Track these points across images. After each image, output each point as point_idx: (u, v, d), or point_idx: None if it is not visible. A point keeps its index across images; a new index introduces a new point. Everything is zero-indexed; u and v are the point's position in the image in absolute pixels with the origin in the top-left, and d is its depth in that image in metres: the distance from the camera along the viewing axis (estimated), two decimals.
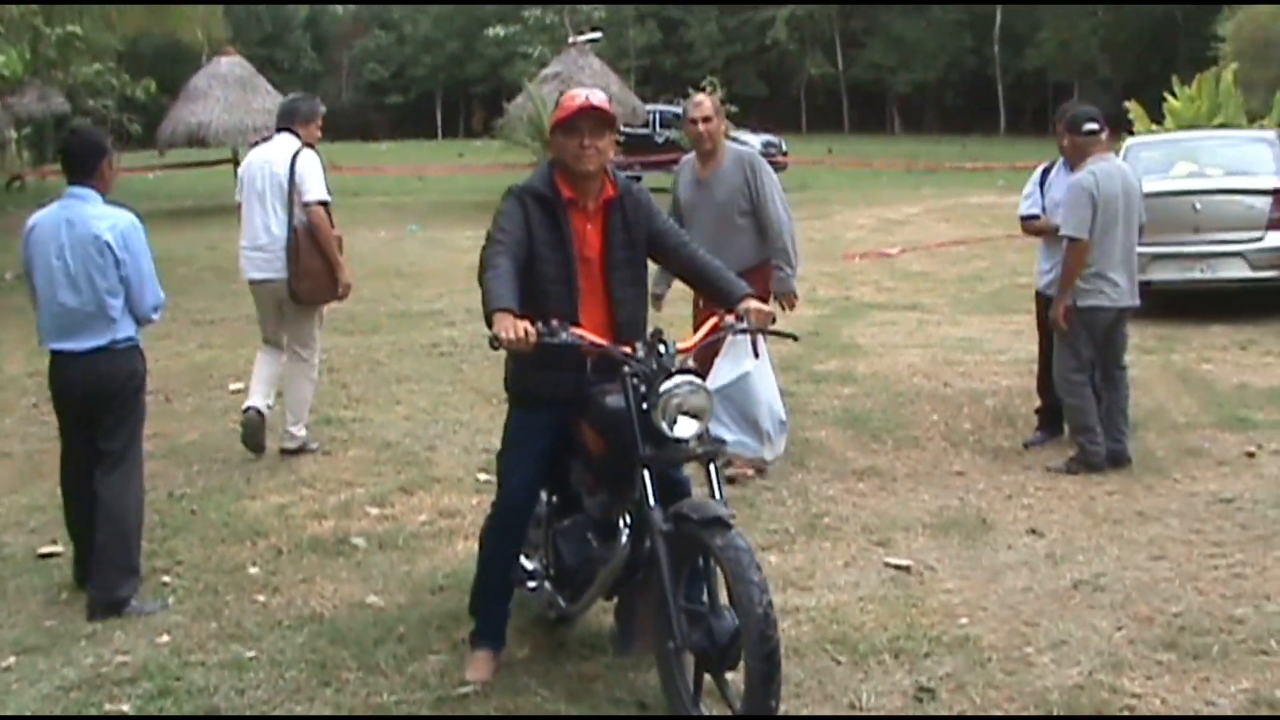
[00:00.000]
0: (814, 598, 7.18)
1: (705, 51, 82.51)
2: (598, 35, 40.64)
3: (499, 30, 41.94)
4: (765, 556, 7.83)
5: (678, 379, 5.52)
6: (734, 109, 36.02)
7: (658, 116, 40.63)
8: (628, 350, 5.73)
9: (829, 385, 12.55)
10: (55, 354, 7.55)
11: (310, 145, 10.44)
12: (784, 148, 40.92)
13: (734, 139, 31.80)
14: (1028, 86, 78.81)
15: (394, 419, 11.64)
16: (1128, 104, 28.07)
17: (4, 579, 7.91)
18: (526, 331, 5.40)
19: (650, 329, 5.92)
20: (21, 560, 8.25)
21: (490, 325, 5.46)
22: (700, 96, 10.03)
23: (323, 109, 10.77)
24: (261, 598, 7.43)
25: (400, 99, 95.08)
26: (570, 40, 37.93)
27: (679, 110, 40.80)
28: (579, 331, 5.66)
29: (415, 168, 48.07)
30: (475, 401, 11.90)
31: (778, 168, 38.73)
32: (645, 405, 5.54)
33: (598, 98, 6.01)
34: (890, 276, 21.21)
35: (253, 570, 7.90)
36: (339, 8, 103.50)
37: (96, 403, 7.52)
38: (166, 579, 7.78)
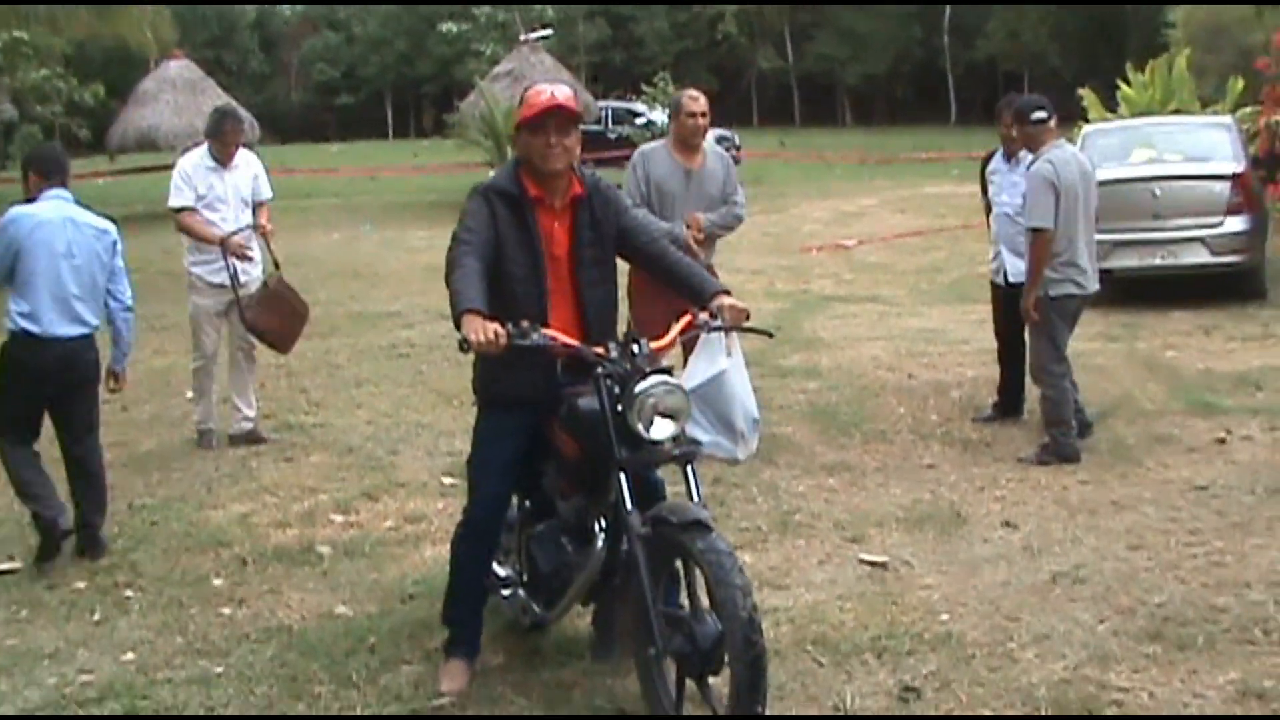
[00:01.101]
0: (791, 597, 7.08)
1: (655, 47, 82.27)
2: (549, 32, 40.58)
3: (451, 27, 41.82)
4: (739, 556, 7.73)
5: (653, 379, 5.40)
6: None
7: (609, 113, 40.57)
8: (600, 351, 5.60)
9: (794, 380, 12.46)
10: (43, 339, 8.16)
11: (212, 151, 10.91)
12: (737, 142, 40.76)
13: None
14: (978, 77, 78.89)
15: (355, 423, 11.51)
16: (1081, 91, 28.04)
17: None
18: (496, 333, 5.26)
19: (621, 329, 5.82)
20: None
21: (459, 327, 5.33)
22: (695, 91, 10.16)
23: (225, 129, 10.90)
24: (227, 610, 7.28)
25: (350, 99, 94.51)
26: (521, 38, 37.79)
27: (631, 107, 40.94)
28: (550, 333, 5.53)
29: (368, 169, 47.81)
30: (436, 403, 11.77)
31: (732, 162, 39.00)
32: (620, 407, 5.42)
33: (563, 94, 5.88)
34: (849, 269, 21.17)
35: (217, 581, 7.75)
36: (286, 8, 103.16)
37: (80, 381, 8.43)
38: (129, 593, 7.61)
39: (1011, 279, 10.44)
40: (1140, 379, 11.97)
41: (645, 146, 10.14)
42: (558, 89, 5.94)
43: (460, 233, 5.76)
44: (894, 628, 6.57)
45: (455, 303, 5.44)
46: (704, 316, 6.00)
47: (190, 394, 11.70)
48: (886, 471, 9.59)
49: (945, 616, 6.73)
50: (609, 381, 5.49)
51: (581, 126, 21.54)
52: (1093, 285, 9.85)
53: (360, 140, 78.95)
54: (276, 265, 10.93)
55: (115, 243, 8.55)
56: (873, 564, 7.60)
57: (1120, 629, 6.43)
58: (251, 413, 11.12)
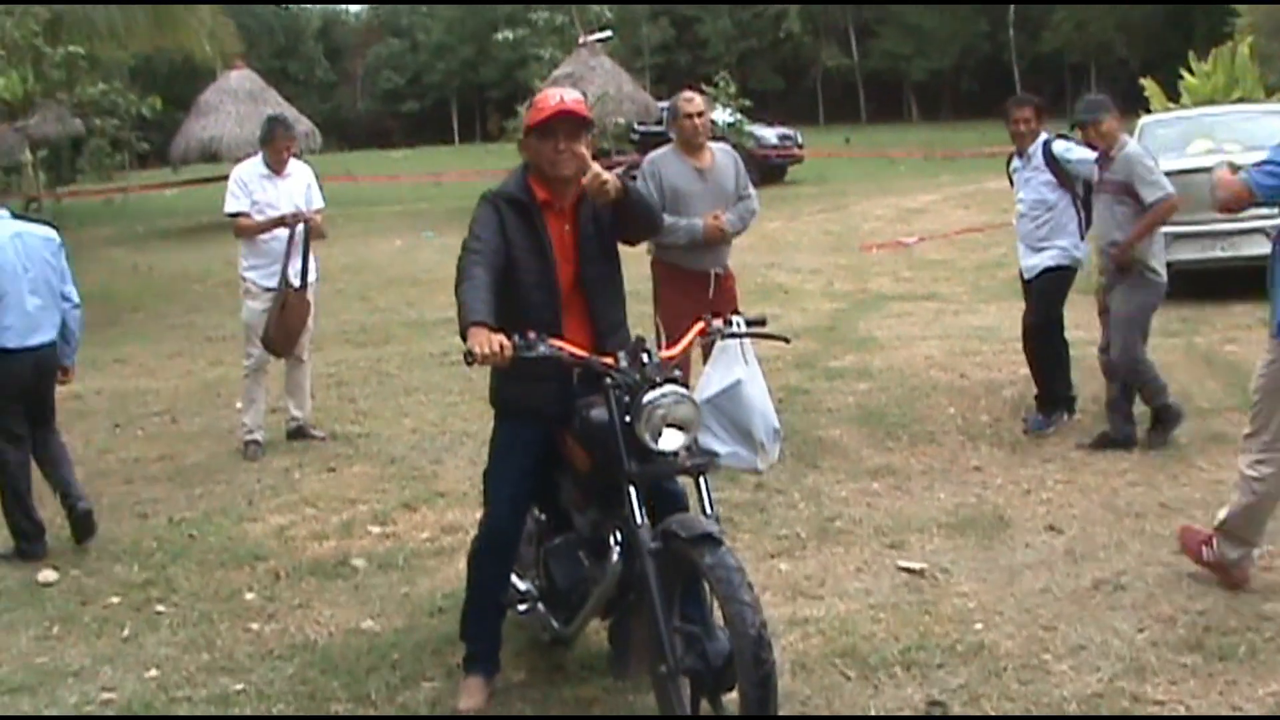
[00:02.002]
0: (824, 607, 6.94)
1: (720, 47, 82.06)
2: (608, 34, 40.42)
3: (508, 34, 41.77)
4: (775, 564, 7.67)
5: (662, 389, 5.27)
6: (748, 103, 35.85)
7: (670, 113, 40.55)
8: (609, 361, 5.48)
9: (844, 381, 12.32)
10: (17, 351, 8.59)
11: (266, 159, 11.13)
12: (799, 140, 40.51)
13: (749, 133, 31.68)
14: (1044, 69, 78.13)
15: (401, 432, 11.47)
16: (1143, 81, 27.64)
17: None
18: (502, 345, 5.16)
19: (633, 336, 5.70)
20: (17, 592, 8.05)
21: (465, 339, 5.24)
22: (690, 93, 10.24)
23: (275, 135, 11.12)
24: (256, 625, 7.22)
25: (416, 106, 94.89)
26: (580, 41, 37.69)
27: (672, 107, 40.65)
28: (557, 343, 5.42)
29: (431, 174, 47.88)
30: (484, 411, 11.46)
31: (793, 160, 38.76)
32: (629, 418, 5.31)
33: (572, 98, 5.77)
34: (908, 266, 20.97)
35: (249, 596, 7.70)
36: (352, 17, 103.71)
37: (47, 384, 8.98)
38: (161, 608, 7.57)
39: (1027, 276, 10.45)
40: (1198, 375, 11.77)
41: (654, 153, 10.08)
42: (567, 93, 5.82)
43: (469, 241, 5.67)
44: (925, 639, 6.43)
45: (462, 315, 5.35)
46: (718, 323, 5.89)
47: (240, 404, 11.74)
48: (932, 475, 9.43)
49: (979, 626, 6.58)
50: (618, 392, 5.37)
51: (643, 128, 21.78)
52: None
53: (426, 146, 79.17)
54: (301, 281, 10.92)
55: (60, 246, 9.00)
56: (910, 571, 7.45)
57: (1160, 639, 6.26)
58: (301, 413, 11.36)
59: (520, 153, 6.03)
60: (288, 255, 10.75)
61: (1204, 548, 7.03)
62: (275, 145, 10.95)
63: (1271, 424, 6.81)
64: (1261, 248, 14.77)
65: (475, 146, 75.41)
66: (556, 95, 5.79)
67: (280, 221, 10.72)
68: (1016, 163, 10.62)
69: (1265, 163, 6.81)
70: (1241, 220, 14.89)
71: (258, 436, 11.08)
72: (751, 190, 10.06)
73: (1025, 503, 8.66)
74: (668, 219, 9.47)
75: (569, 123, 5.71)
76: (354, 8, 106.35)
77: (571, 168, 5.72)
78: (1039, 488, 8.96)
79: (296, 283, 10.83)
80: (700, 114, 9.77)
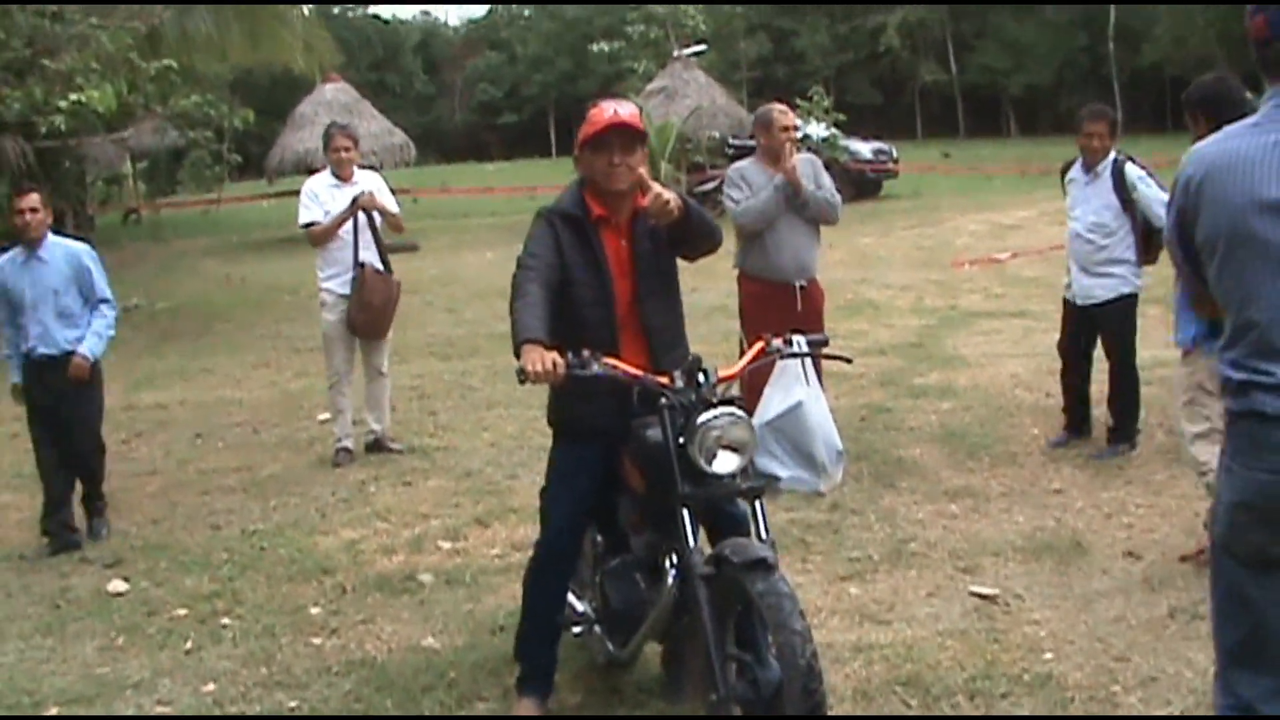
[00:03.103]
0: (890, 633, 6.80)
1: (817, 60, 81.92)
2: (703, 48, 40.44)
3: (604, 46, 41.79)
4: (845, 587, 7.54)
5: (716, 410, 5.16)
6: (842, 117, 35.69)
7: None
8: (664, 380, 5.38)
9: (927, 400, 12.16)
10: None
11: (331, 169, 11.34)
12: (895, 155, 40.29)
13: (843, 148, 31.60)
14: (1144, 83, 77.28)
15: (479, 446, 11.43)
16: (1248, 95, 27.22)
17: (66, 621, 7.74)
18: (555, 364, 5.08)
19: (690, 356, 5.59)
20: (87, 601, 8.10)
21: (518, 357, 5.15)
22: (783, 106, 10.07)
23: (331, 136, 11.32)
24: (318, 640, 7.19)
25: (514, 118, 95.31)
26: (675, 54, 37.68)
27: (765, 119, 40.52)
28: (611, 361, 5.32)
29: (526, 187, 48.00)
30: None
31: (889, 175, 38.56)
32: (683, 439, 5.19)
33: (626, 111, 5.68)
34: (1000, 283, 20.70)
35: (314, 610, 7.67)
36: (450, 30, 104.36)
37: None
38: (226, 620, 7.57)
39: (1081, 300, 10.13)
40: None
41: (739, 164, 10.06)
42: (621, 106, 5.72)
43: (524, 258, 5.60)
44: (992, 667, 6.27)
45: (515, 332, 5.27)
46: (777, 343, 5.76)
47: (328, 414, 11.80)
48: (1011, 497, 9.25)
49: (1049, 655, 6.42)
50: (672, 412, 5.26)
51: (737, 142, 21.78)
52: None
53: (523, 159, 79.50)
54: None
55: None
56: (982, 597, 7.29)
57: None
58: (379, 426, 11.39)
59: (575, 168, 5.93)
60: (355, 242, 10.86)
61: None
62: (332, 145, 11.08)
63: (1214, 418, 7.06)
64: None
65: (571, 160, 75.79)
66: (610, 108, 5.70)
67: (347, 215, 10.81)
68: (1077, 174, 10.20)
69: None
70: None
71: (348, 444, 11.19)
72: (833, 188, 9.93)
73: (1105, 527, 8.47)
74: (741, 202, 9.46)
75: (623, 135, 5.63)
76: (454, 20, 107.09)
77: (626, 182, 5.64)
78: (1120, 511, 8.76)
79: (375, 263, 10.99)
80: (796, 127, 9.77)
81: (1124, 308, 9.99)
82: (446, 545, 8.75)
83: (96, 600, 8.08)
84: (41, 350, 9.24)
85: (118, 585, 8.28)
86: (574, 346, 5.24)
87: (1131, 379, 10.25)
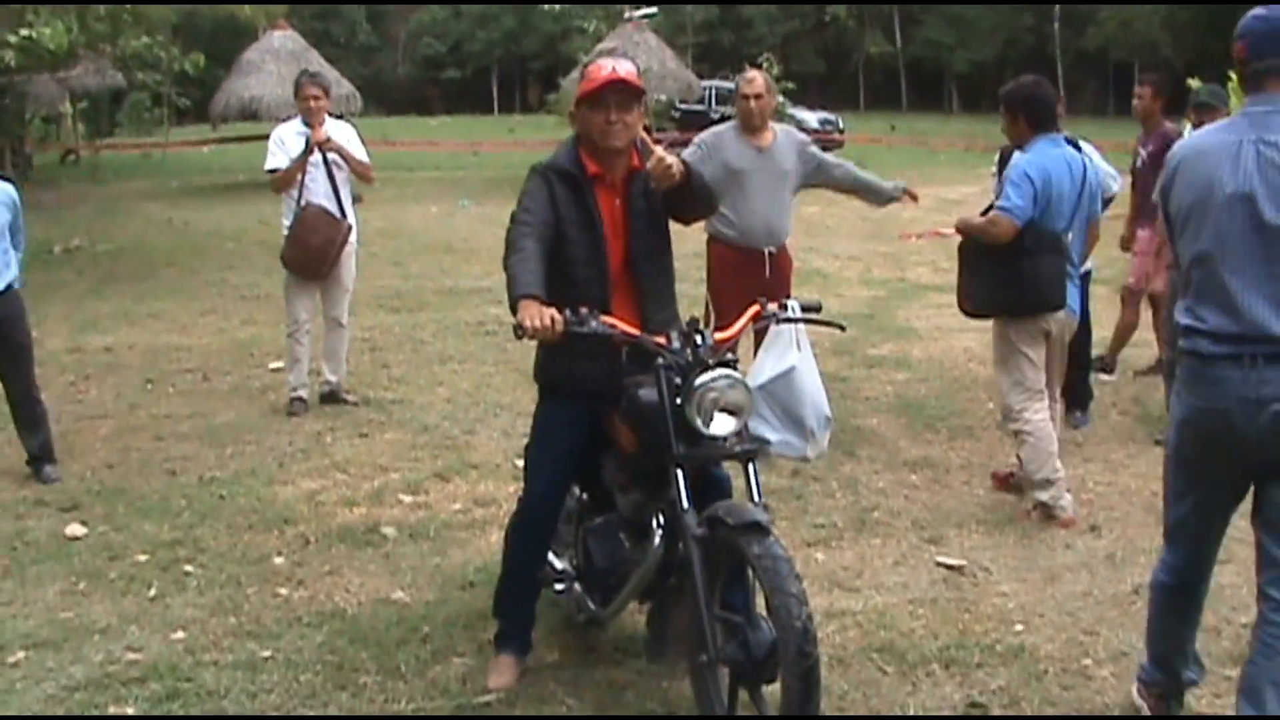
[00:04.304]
0: (861, 600, 6.84)
1: (763, 28, 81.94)
2: (654, 10, 40.37)
3: (554, 5, 41.65)
4: (811, 553, 7.57)
5: (715, 372, 5.15)
6: (791, 86, 35.66)
7: (713, 92, 40.26)
8: (662, 340, 5.36)
9: (882, 370, 12.22)
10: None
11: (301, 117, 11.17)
12: (840, 125, 40.44)
13: (790, 116, 31.54)
14: (1088, 66, 77.71)
15: (434, 401, 11.39)
16: (1191, 82, 27.34)
17: (24, 565, 7.64)
18: (553, 319, 5.05)
19: (683, 316, 5.59)
20: (45, 544, 7.99)
21: (515, 312, 5.12)
22: (753, 73, 9.97)
23: (301, 84, 11.18)
24: (284, 591, 7.14)
25: (457, 74, 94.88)
26: (626, 16, 37.58)
27: (732, 86, 40.59)
28: (610, 320, 5.30)
29: (470, 143, 47.79)
30: (518, 383, 11.55)
31: (833, 145, 38.58)
32: (679, 400, 5.18)
33: (624, 69, 5.63)
34: (947, 257, 20.58)
35: (278, 560, 7.62)
36: None
37: None
38: (189, 568, 7.49)
39: None
40: None
41: (714, 129, 9.98)
42: (619, 63, 5.68)
43: (518, 213, 5.55)
44: (965, 637, 6.32)
45: (511, 287, 5.23)
46: (773, 307, 5.76)
47: (279, 363, 11.75)
48: (970, 469, 9.31)
49: (1020, 627, 6.47)
50: (669, 373, 5.25)
51: (685, 106, 21.69)
52: None
53: (465, 115, 79.13)
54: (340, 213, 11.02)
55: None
56: (949, 567, 7.34)
57: (1202, 649, 6.08)
58: (334, 378, 11.35)
59: (570, 124, 5.89)
60: (302, 182, 10.78)
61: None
62: (303, 94, 10.94)
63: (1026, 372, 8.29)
64: None
65: (514, 118, 75.44)
66: (609, 65, 5.66)
67: (304, 158, 10.72)
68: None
69: (1007, 188, 8.09)
70: None
71: (302, 394, 11.14)
72: (832, 158, 10.29)
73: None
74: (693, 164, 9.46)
75: (621, 93, 5.59)
76: None
77: (623, 139, 5.62)
78: (1080, 489, 8.79)
79: (327, 205, 10.90)
80: (759, 96, 9.60)
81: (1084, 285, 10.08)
82: (408, 499, 8.71)
83: (55, 544, 7.99)
84: None
85: (75, 529, 8.19)
86: (566, 303, 5.21)
87: (1086, 356, 10.37)
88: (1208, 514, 5.27)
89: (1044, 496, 8.21)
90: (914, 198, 10.04)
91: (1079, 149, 9.79)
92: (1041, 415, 8.27)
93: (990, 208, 8.26)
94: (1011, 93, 8.47)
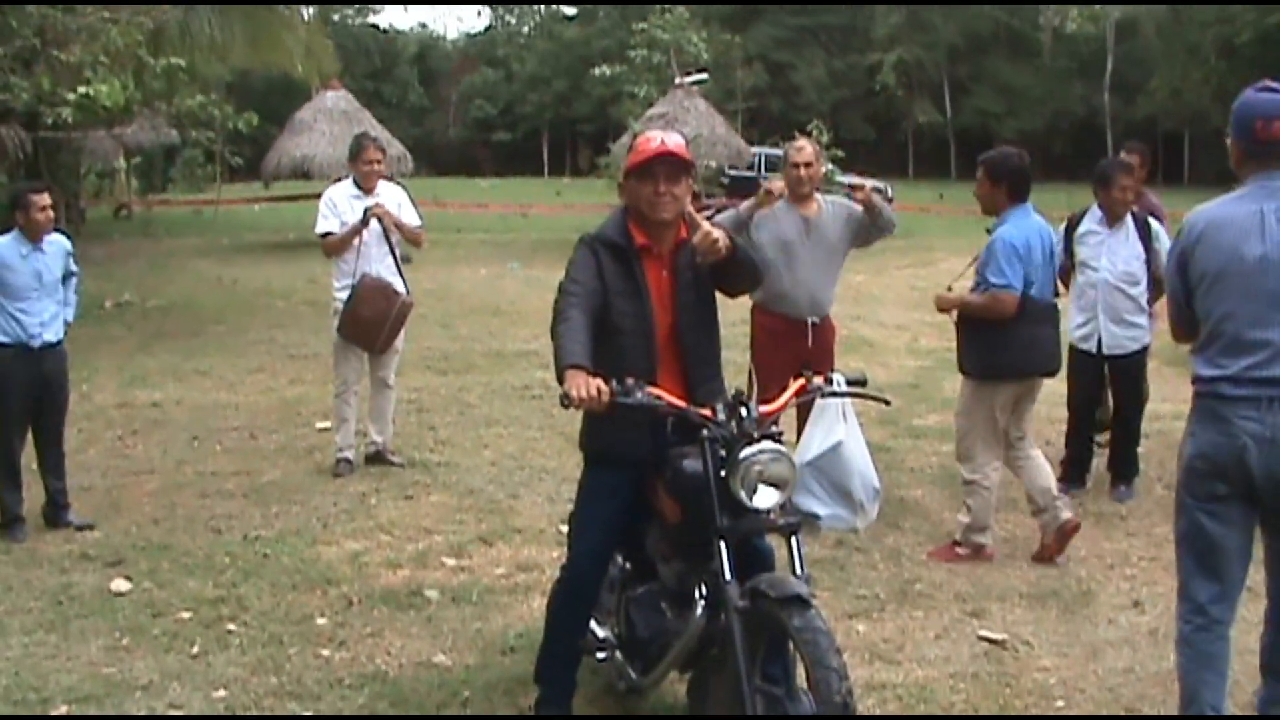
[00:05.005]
0: (902, 672, 6.83)
1: (813, 95, 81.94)
2: (704, 76, 40.38)
3: (605, 70, 41.73)
4: (853, 625, 7.54)
5: (759, 445, 5.17)
6: (840, 153, 35.67)
7: (763, 159, 40.31)
8: (707, 413, 5.39)
9: (927, 441, 12.19)
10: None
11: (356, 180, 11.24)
12: (889, 194, 40.41)
13: (839, 184, 31.53)
14: (1137, 135, 76.84)
15: (480, 463, 11.40)
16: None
17: (69, 619, 7.71)
18: (600, 390, 5.09)
19: (730, 390, 5.61)
20: (89, 599, 8.05)
21: (561, 382, 5.17)
22: (802, 141, 10.04)
23: (363, 147, 11.23)
24: (326, 651, 7.18)
25: (507, 136, 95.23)
26: (676, 81, 37.67)
27: (783, 153, 40.46)
28: (655, 391, 5.34)
29: (520, 205, 47.96)
30: (564, 448, 11.57)
31: None
32: (724, 472, 5.20)
33: (674, 141, 5.70)
34: None
35: (320, 621, 7.65)
36: (449, 44, 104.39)
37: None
38: (231, 627, 7.54)
39: (1109, 351, 10.25)
40: None
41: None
42: (669, 136, 5.75)
43: (566, 284, 5.61)
44: (1005, 712, 6.31)
45: (559, 357, 5.29)
46: (818, 381, 5.78)
47: (326, 423, 11.79)
48: (1014, 542, 9.27)
49: (1061, 703, 6.45)
50: (714, 445, 5.27)
51: (734, 172, 21.68)
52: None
53: (514, 177, 79.45)
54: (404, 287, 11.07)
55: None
56: (991, 641, 7.32)
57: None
58: (380, 438, 11.34)
59: (619, 194, 5.94)
60: (359, 253, 10.82)
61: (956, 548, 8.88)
62: (364, 157, 11.00)
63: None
64: None
65: (561, 180, 75.70)
66: (658, 137, 5.74)
67: (362, 225, 10.73)
68: (1095, 225, 10.34)
69: (999, 263, 8.47)
70: None
71: (349, 455, 11.14)
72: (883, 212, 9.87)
73: (1109, 577, 8.52)
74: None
75: (669, 165, 5.65)
76: (452, 34, 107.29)
77: (671, 211, 5.67)
78: (1123, 563, 8.80)
79: (385, 275, 10.93)
80: (809, 164, 9.68)
81: (1144, 359, 10.18)
82: (451, 562, 8.74)
83: (99, 598, 8.05)
84: (45, 338, 9.45)
85: (120, 584, 8.25)
86: (612, 373, 5.25)
87: (1137, 429, 10.39)
88: (1223, 545, 5.65)
89: (984, 539, 8.89)
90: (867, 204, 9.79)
91: (1149, 229, 9.96)
92: (998, 471, 8.89)
93: (979, 284, 8.63)
94: (998, 163, 8.74)
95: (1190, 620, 5.76)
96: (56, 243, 9.58)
